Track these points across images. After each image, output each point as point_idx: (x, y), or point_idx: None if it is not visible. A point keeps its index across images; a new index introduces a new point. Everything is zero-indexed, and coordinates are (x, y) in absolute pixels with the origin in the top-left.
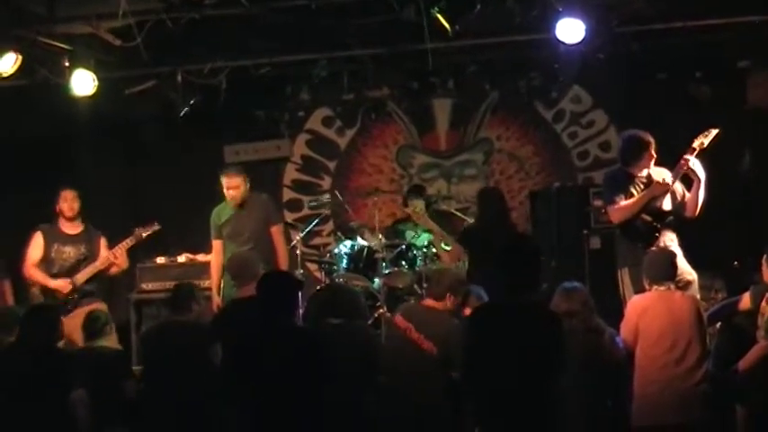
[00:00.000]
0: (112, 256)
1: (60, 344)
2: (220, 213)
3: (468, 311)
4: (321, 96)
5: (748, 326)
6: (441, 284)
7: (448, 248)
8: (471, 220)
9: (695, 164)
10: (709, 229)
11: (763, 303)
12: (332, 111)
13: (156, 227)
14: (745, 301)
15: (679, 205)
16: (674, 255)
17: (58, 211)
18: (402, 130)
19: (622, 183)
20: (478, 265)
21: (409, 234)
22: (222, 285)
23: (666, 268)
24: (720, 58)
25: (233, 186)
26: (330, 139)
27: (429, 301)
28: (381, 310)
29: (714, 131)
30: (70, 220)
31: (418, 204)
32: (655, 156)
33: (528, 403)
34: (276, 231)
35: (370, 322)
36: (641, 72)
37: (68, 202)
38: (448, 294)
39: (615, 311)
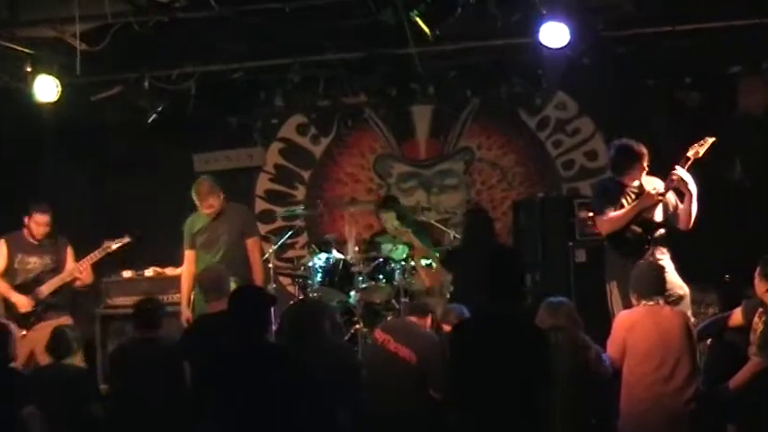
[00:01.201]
0: (77, 270)
1: (21, 359)
2: (195, 222)
3: (447, 328)
4: (295, 103)
5: (740, 342)
6: (425, 306)
7: (428, 264)
8: (451, 231)
9: (686, 176)
10: (700, 242)
11: (756, 319)
12: (306, 118)
13: (127, 239)
14: (737, 316)
15: (671, 216)
16: (662, 268)
17: (25, 223)
18: (380, 138)
19: (613, 193)
20: (464, 288)
21: (387, 247)
22: (194, 299)
23: (655, 282)
24: (710, 63)
25: (206, 207)
26: (304, 147)
27: (412, 317)
28: (358, 326)
29: (710, 140)
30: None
31: (389, 218)
32: (646, 167)
33: (512, 419)
34: (252, 244)
35: (346, 338)
36: (628, 78)
37: (40, 227)
38: (430, 315)
39: (603, 327)
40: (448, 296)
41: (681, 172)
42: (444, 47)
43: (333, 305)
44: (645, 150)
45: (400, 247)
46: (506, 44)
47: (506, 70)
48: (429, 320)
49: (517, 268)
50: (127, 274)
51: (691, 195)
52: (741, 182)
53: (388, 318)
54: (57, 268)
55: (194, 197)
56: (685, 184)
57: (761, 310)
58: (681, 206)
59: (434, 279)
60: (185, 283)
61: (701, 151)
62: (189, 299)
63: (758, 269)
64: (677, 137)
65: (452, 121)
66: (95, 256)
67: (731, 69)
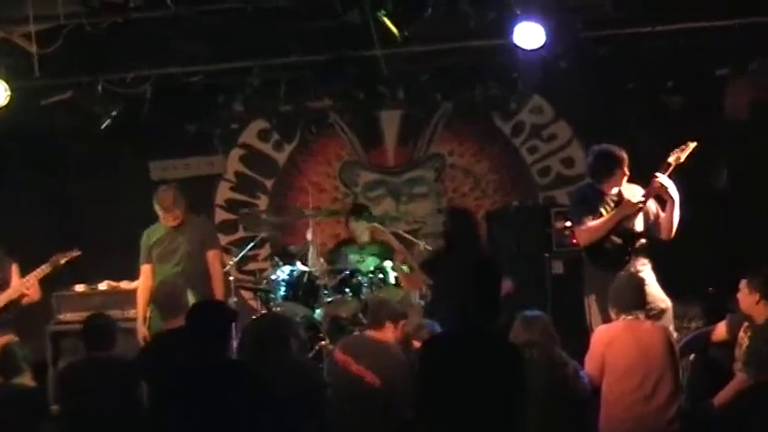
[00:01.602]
0: (24, 286)
1: None
2: (151, 234)
3: (417, 344)
4: (257, 108)
5: (725, 358)
6: (379, 312)
7: (405, 270)
8: (421, 243)
9: (667, 183)
10: (683, 252)
11: (741, 333)
12: (268, 123)
13: (76, 253)
14: (721, 330)
15: (653, 226)
16: (643, 281)
17: None
18: (346, 144)
19: (591, 201)
20: (443, 296)
21: (354, 258)
22: (150, 315)
23: (635, 295)
24: (694, 65)
25: (167, 215)
26: (267, 154)
27: (369, 332)
28: (323, 342)
29: (692, 145)
30: None
31: (358, 227)
32: (627, 173)
33: None
34: (213, 256)
35: (311, 355)
36: (608, 81)
37: None
38: (387, 323)
39: (580, 342)
40: (421, 303)
41: (662, 178)
42: (414, 48)
43: (297, 320)
44: (625, 156)
45: (369, 258)
46: (480, 46)
47: (479, 73)
48: (389, 332)
49: (496, 286)
50: (79, 287)
51: (672, 203)
52: (726, 189)
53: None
54: (2, 285)
55: (157, 208)
56: (667, 191)
57: (746, 324)
58: (662, 215)
59: (413, 284)
60: (141, 299)
61: (683, 157)
62: (145, 315)
63: (745, 281)
64: (659, 142)
65: (423, 127)
66: (43, 270)
67: (716, 71)
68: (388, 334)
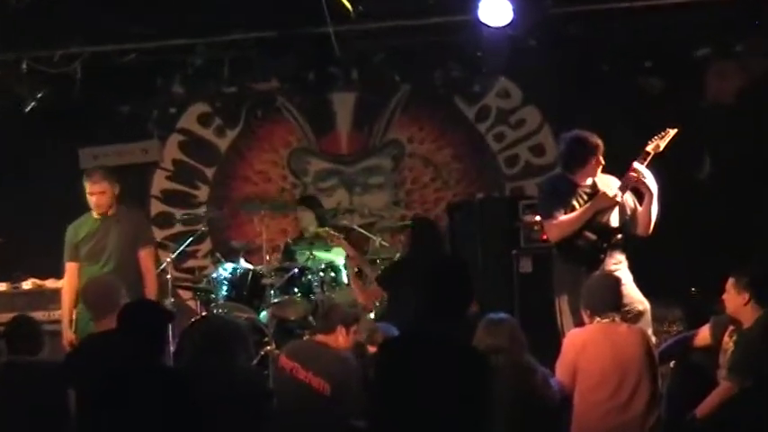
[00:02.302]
0: None
1: None
2: (78, 229)
3: (372, 350)
4: (197, 89)
5: (707, 364)
6: (329, 316)
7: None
8: (377, 237)
9: (645, 173)
10: (662, 249)
11: (726, 338)
12: (210, 107)
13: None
14: (704, 334)
15: (629, 221)
16: (619, 280)
17: None
18: (295, 129)
19: (563, 193)
20: (401, 307)
21: (303, 255)
22: (76, 317)
23: (610, 296)
24: (674, 45)
25: (97, 192)
26: (208, 140)
27: (319, 337)
28: (269, 347)
29: (671, 132)
30: None
31: (306, 218)
32: (602, 162)
33: None
34: (146, 255)
35: (255, 362)
36: (581, 62)
37: None
38: (339, 327)
39: (551, 347)
40: (372, 316)
41: (640, 168)
42: (369, 25)
43: (240, 322)
44: (600, 143)
45: (319, 254)
46: (441, 23)
47: (441, 52)
48: (340, 337)
49: (467, 284)
50: (1, 286)
51: (651, 195)
52: (709, 180)
53: (304, 338)
54: None
55: (88, 190)
56: (644, 182)
57: (731, 327)
58: (639, 208)
59: (369, 296)
60: (66, 301)
61: (662, 145)
62: (70, 318)
63: (732, 281)
64: (636, 129)
65: (379, 111)
66: None
67: (698, 52)
68: (340, 339)
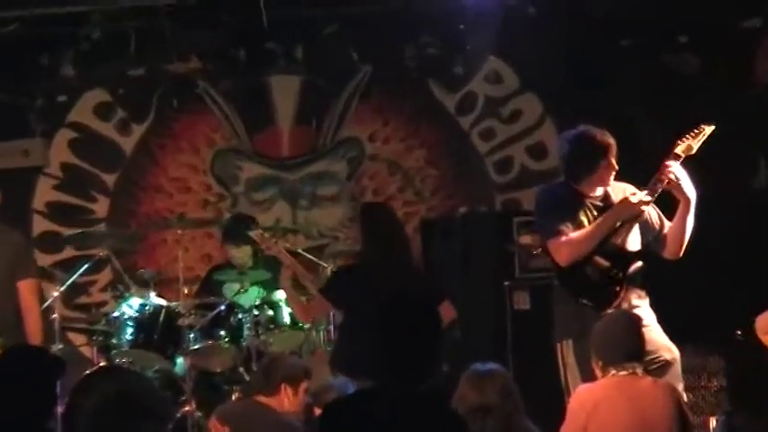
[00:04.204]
0: None
1: None
2: None
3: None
4: (94, 71)
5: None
6: (270, 372)
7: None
8: (328, 265)
9: (681, 175)
10: (698, 280)
11: None
12: (110, 94)
13: None
14: None
15: (653, 240)
16: (639, 321)
17: None
18: (221, 124)
19: (568, 205)
20: (354, 336)
21: (232, 288)
22: None
23: (629, 342)
24: (715, 14)
25: None
26: (108, 138)
27: (258, 397)
28: (188, 408)
29: (708, 129)
30: None
31: (238, 252)
32: (616, 166)
33: None
34: (26, 288)
35: (171, 427)
36: (594, 37)
37: None
38: (283, 386)
39: (553, 407)
40: (322, 338)
41: (675, 168)
42: None
43: (149, 375)
44: (613, 143)
45: (252, 287)
46: None
47: (412, 24)
48: (286, 399)
49: (431, 328)
50: None
51: (688, 204)
52: (762, 189)
53: (234, 397)
54: None
55: None
56: (680, 186)
57: None
58: (668, 224)
59: (310, 312)
60: None
61: (695, 145)
62: None
63: None
64: (663, 122)
65: (331, 100)
66: None
67: (746, 23)
68: (284, 400)
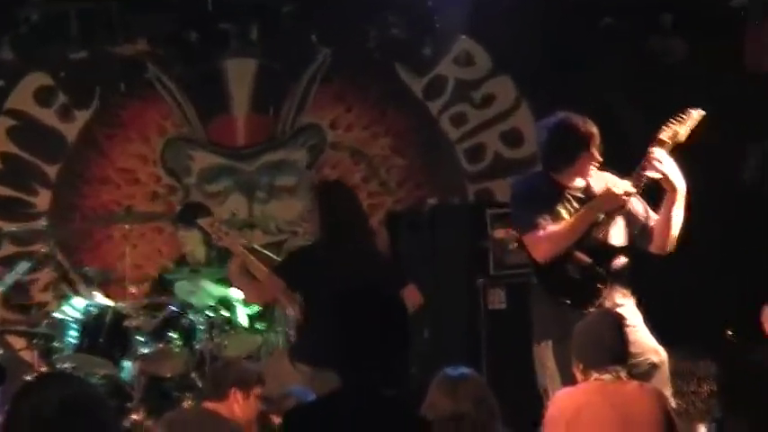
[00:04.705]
0: None
1: None
2: None
3: (278, 421)
4: (33, 54)
5: None
6: (220, 376)
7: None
8: None
9: (667, 163)
10: (688, 277)
11: None
12: (52, 78)
13: None
14: None
15: (638, 235)
16: (623, 321)
17: None
18: (172, 111)
19: (546, 196)
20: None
21: (184, 288)
22: None
23: (613, 344)
24: None
25: None
26: (49, 125)
27: (207, 404)
28: (135, 416)
29: (695, 114)
30: None
31: (190, 238)
32: (598, 156)
33: None
34: None
35: None
36: (573, 15)
37: None
38: (233, 391)
39: (530, 413)
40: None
41: (660, 155)
42: None
43: (94, 382)
44: (594, 131)
45: (206, 286)
46: None
47: (376, 3)
48: (236, 404)
49: (398, 322)
50: None
51: (674, 195)
52: (754, 182)
53: (185, 405)
54: None
55: None
56: (667, 175)
57: None
58: (654, 217)
59: (262, 293)
60: None
61: (683, 132)
62: None
63: None
64: (648, 109)
65: (289, 84)
66: None
67: (734, 2)
68: (234, 407)
